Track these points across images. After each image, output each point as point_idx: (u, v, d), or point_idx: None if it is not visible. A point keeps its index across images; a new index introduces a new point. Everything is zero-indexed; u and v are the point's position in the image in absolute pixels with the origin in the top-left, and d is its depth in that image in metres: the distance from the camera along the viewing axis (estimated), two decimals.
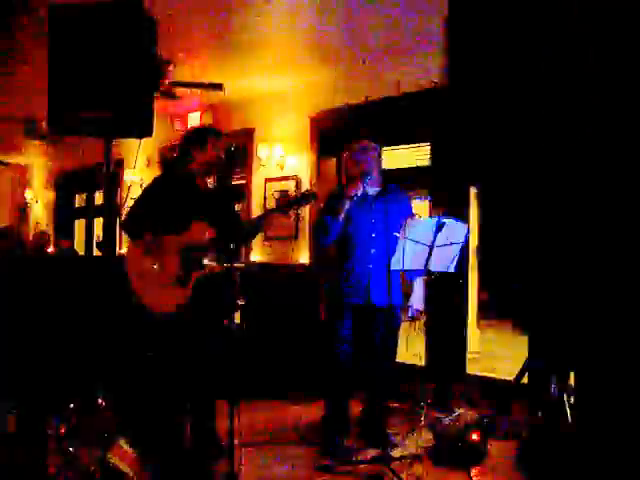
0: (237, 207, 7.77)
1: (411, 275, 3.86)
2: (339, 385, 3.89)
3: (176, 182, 3.53)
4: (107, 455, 2.71)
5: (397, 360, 4.22)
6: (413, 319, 4.00)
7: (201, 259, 3.35)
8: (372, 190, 3.86)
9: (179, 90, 5.96)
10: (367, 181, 3.76)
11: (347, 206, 3.75)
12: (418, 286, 4.00)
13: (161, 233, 3.38)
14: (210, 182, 3.64)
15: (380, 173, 3.93)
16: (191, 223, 3.37)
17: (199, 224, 3.37)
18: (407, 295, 3.95)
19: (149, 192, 3.55)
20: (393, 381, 3.97)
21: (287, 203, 3.53)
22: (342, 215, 3.77)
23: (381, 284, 3.79)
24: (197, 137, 3.57)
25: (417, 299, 3.99)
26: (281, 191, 6.29)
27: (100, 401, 2.93)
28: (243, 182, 6.93)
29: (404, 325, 4.08)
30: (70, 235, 10.42)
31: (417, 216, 4.26)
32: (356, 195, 3.73)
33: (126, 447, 2.81)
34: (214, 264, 3.36)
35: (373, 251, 3.82)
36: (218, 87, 5.89)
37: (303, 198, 3.51)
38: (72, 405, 2.84)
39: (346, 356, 3.83)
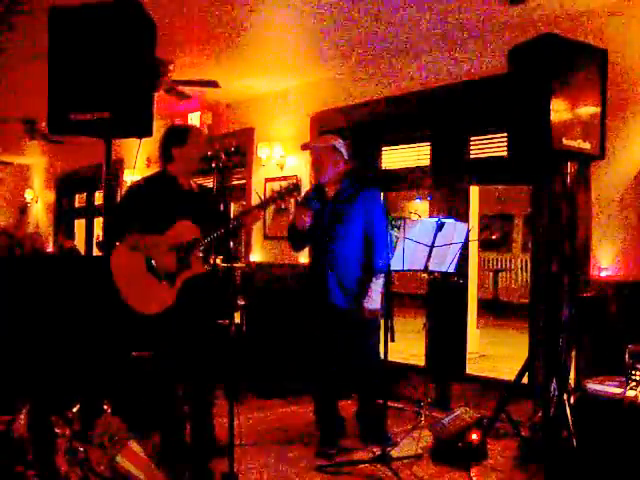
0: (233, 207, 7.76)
1: None
2: (326, 386, 3.88)
3: (158, 183, 3.43)
4: (117, 457, 2.70)
5: (397, 360, 4.21)
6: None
7: (188, 259, 3.26)
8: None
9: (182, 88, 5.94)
10: None
11: None
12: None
13: (145, 233, 3.27)
14: (210, 182, 3.58)
15: None
16: (175, 222, 3.28)
17: (183, 223, 3.28)
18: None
19: (131, 194, 3.49)
20: (383, 378, 3.94)
21: (270, 198, 3.46)
22: None
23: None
24: (175, 135, 3.44)
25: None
26: None
27: (105, 402, 2.92)
28: (243, 182, 6.92)
29: (405, 324, 4.08)
30: (70, 235, 10.42)
31: (416, 216, 4.26)
32: None
33: (137, 449, 2.78)
34: (204, 264, 3.29)
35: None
36: (213, 84, 5.86)
37: (286, 192, 3.42)
38: (77, 406, 2.82)
39: (334, 357, 3.82)
